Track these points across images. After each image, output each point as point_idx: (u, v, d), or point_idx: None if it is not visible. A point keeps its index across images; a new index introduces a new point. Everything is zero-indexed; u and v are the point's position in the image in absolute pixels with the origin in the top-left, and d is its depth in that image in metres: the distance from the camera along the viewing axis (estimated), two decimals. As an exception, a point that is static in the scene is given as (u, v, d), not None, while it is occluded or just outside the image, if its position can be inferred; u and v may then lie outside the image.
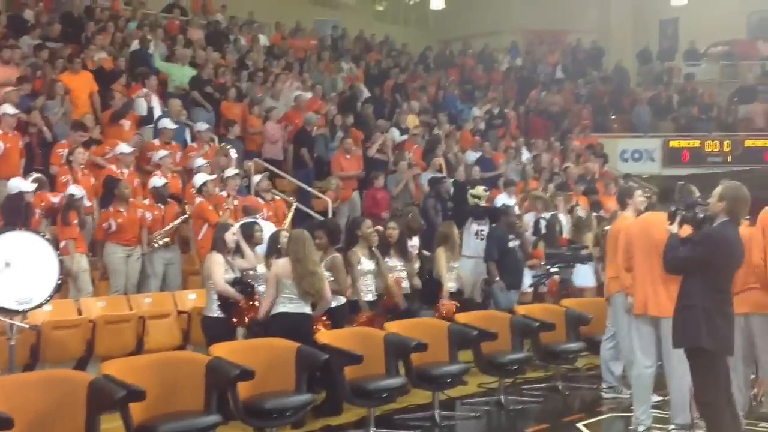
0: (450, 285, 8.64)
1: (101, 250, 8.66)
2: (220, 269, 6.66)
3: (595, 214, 11.00)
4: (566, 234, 10.80)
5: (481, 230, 10.42)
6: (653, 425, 6.23)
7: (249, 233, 7.36)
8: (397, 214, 10.42)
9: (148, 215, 8.80)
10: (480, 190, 10.71)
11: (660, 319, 5.96)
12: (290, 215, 9.50)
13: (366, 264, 7.59)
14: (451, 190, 11.89)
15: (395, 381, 6.52)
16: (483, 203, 10.66)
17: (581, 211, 11.23)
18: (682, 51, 23.05)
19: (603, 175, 15.02)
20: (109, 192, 8.92)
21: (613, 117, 19.67)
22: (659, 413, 6.44)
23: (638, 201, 7.03)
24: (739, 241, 5.16)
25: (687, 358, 5.28)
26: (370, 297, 7.64)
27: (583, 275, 10.15)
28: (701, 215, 5.27)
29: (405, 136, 13.94)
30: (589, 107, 19.21)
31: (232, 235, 6.85)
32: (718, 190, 5.20)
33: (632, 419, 6.25)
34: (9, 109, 9.01)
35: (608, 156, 16.84)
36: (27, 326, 6.26)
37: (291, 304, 6.49)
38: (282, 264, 6.57)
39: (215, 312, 6.68)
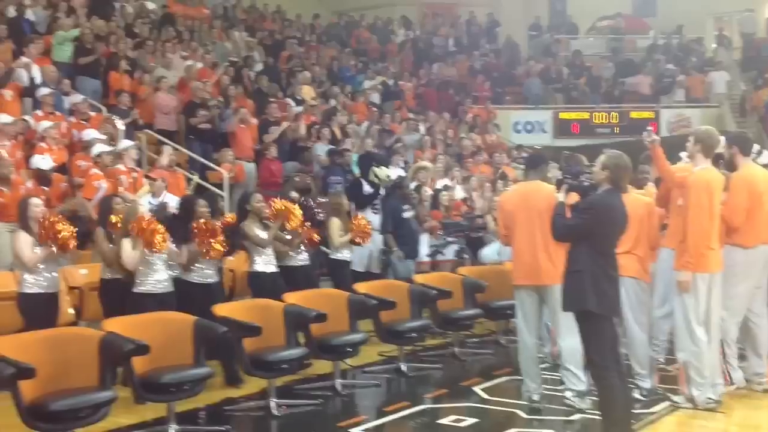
0: (345, 253, 8.69)
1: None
2: (27, 248, 6.34)
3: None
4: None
5: (376, 203, 10.48)
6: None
7: (107, 207, 7.14)
8: (286, 179, 10.39)
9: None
10: (384, 173, 10.65)
11: (545, 287, 6.12)
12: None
13: (262, 235, 7.51)
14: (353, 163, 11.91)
15: (295, 352, 6.52)
16: (382, 186, 10.65)
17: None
18: (571, 25, 23.71)
19: (497, 146, 15.34)
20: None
21: (505, 89, 20.07)
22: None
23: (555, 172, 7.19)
24: (622, 208, 5.34)
25: (576, 321, 5.47)
26: (272, 268, 7.58)
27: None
28: (586, 183, 5.45)
29: (301, 108, 13.83)
30: (484, 79, 19.52)
31: (35, 208, 6.52)
32: (601, 159, 5.37)
33: (523, 390, 6.38)
34: None
35: (501, 127, 17.19)
36: None
37: None
38: None
39: (27, 288, 6.40)
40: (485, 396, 6.72)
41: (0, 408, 4.87)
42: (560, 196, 5.50)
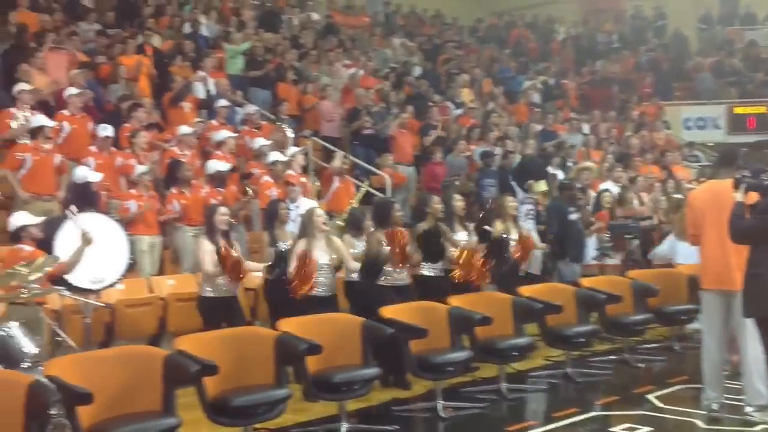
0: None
1: (170, 230, 8.77)
2: (208, 258, 6.60)
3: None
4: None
5: (531, 209, 10.30)
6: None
7: (273, 212, 7.41)
8: (446, 184, 10.38)
9: (212, 201, 8.82)
10: (540, 188, 10.48)
11: (734, 292, 5.78)
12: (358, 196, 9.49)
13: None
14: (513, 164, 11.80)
15: (461, 354, 6.52)
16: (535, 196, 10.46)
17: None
18: (745, 15, 22.39)
19: (667, 144, 14.73)
20: (172, 175, 9.00)
21: (674, 84, 19.22)
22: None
23: None
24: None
25: (758, 326, 5.15)
26: (438, 272, 7.64)
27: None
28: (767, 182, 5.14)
29: (460, 111, 13.85)
30: (650, 75, 18.79)
31: (221, 216, 6.79)
32: (783, 155, 5.05)
33: (702, 397, 6.09)
34: (73, 90, 9.13)
35: (670, 124, 16.48)
36: (101, 305, 6.44)
37: None
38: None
39: (207, 292, 6.70)
40: (659, 404, 6.46)
41: (186, 403, 5.12)
42: (738, 196, 5.20)
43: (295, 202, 8.70)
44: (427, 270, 7.58)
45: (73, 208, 6.48)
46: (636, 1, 22.41)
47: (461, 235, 7.91)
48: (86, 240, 6.36)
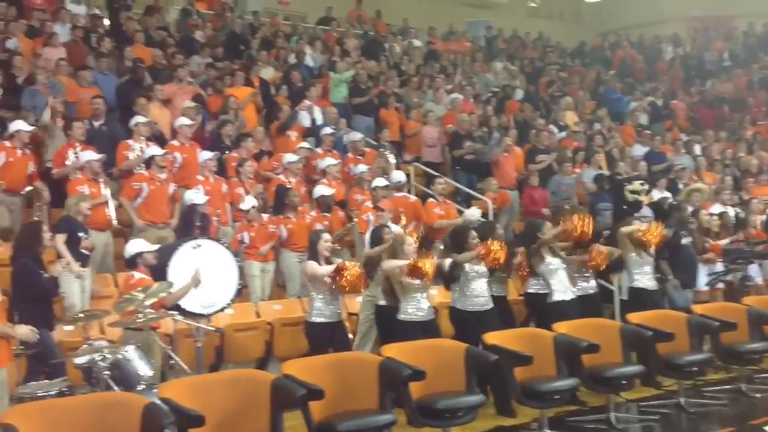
0: (650, 283, 8.27)
1: (275, 255, 8.97)
2: (318, 268, 6.78)
3: None
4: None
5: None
6: None
7: (378, 236, 7.48)
8: (555, 208, 10.25)
9: (318, 226, 8.98)
10: (637, 184, 10.23)
11: None
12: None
13: (554, 262, 7.56)
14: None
15: (567, 382, 6.39)
16: (643, 198, 10.18)
17: None
18: None
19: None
20: (279, 201, 9.22)
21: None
22: None
23: None
24: None
25: None
26: (570, 295, 7.58)
27: None
28: None
29: (564, 134, 13.65)
30: (763, 94, 18.07)
31: (324, 242, 6.91)
32: None
33: None
34: (185, 120, 9.50)
35: (785, 144, 15.75)
36: (211, 329, 6.65)
37: None
38: None
39: (314, 317, 6.80)
40: (778, 437, 6.19)
41: (292, 426, 5.21)
42: None
43: None
44: (560, 294, 7.54)
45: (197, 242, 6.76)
46: (748, 18, 21.65)
47: (555, 262, 7.71)
48: (195, 280, 6.64)
